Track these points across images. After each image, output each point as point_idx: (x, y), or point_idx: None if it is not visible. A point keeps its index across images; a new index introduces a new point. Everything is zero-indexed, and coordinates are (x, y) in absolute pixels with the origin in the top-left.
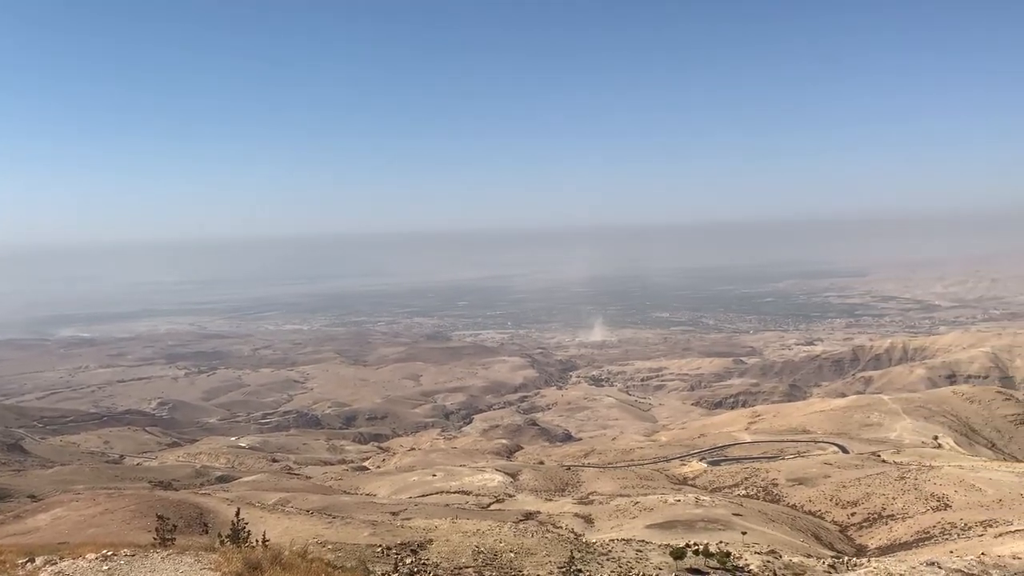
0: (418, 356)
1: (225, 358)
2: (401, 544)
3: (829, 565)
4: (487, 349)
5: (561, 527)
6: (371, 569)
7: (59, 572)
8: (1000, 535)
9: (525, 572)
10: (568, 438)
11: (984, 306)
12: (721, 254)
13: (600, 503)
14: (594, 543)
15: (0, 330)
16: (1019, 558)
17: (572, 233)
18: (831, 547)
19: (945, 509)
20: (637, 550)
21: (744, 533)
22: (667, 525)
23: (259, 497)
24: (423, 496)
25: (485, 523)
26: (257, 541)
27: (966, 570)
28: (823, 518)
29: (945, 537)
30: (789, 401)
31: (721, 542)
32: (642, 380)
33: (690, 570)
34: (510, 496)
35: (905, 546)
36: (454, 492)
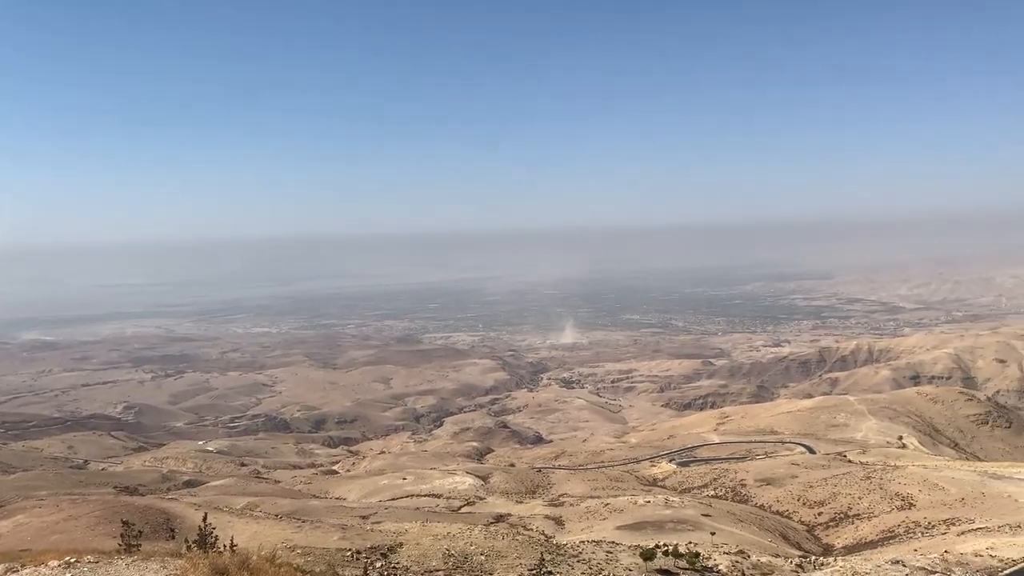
0: (388, 359)
1: (193, 361)
2: (371, 548)
3: (797, 564)
4: (458, 352)
5: (532, 529)
6: (341, 573)
7: None
8: (963, 533)
9: (496, 574)
10: (539, 440)
11: (947, 308)
12: (690, 257)
13: (571, 505)
14: (564, 545)
15: None
16: (981, 555)
17: (543, 236)
18: (799, 547)
19: (909, 508)
20: (607, 551)
21: (713, 534)
22: (637, 526)
23: (227, 502)
24: (393, 500)
25: (456, 526)
26: (225, 546)
27: (930, 568)
28: (791, 518)
29: (909, 536)
30: (757, 402)
31: (690, 543)
32: (612, 382)
33: (660, 571)
34: (481, 499)
35: (871, 545)
36: (424, 495)
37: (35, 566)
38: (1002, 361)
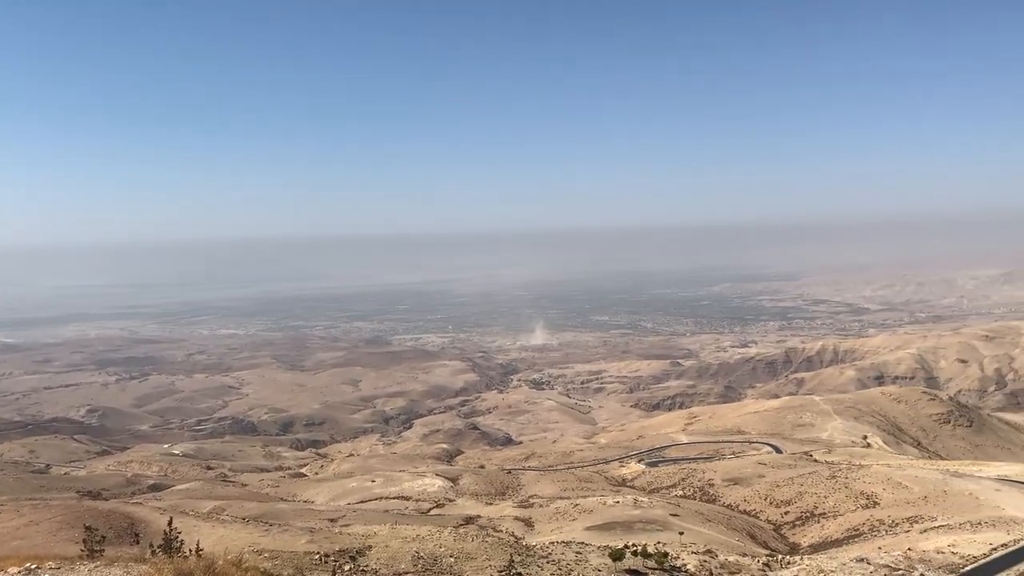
0: (357, 361)
1: (158, 363)
2: (339, 551)
3: (764, 563)
4: (428, 353)
5: (501, 530)
6: None
7: None
8: (925, 531)
9: None
10: (509, 441)
11: (910, 309)
12: (659, 258)
13: (540, 506)
14: (534, 546)
15: None
16: (943, 552)
17: (513, 237)
18: (766, 545)
19: (874, 507)
20: (576, 552)
21: (681, 533)
22: (606, 526)
23: (193, 505)
24: (362, 502)
25: (425, 528)
26: (190, 551)
27: (893, 565)
28: (758, 517)
29: (874, 534)
30: (725, 402)
31: (659, 542)
32: (582, 383)
33: (628, 571)
34: (450, 500)
35: (836, 543)
36: (394, 498)
37: None
38: (963, 361)
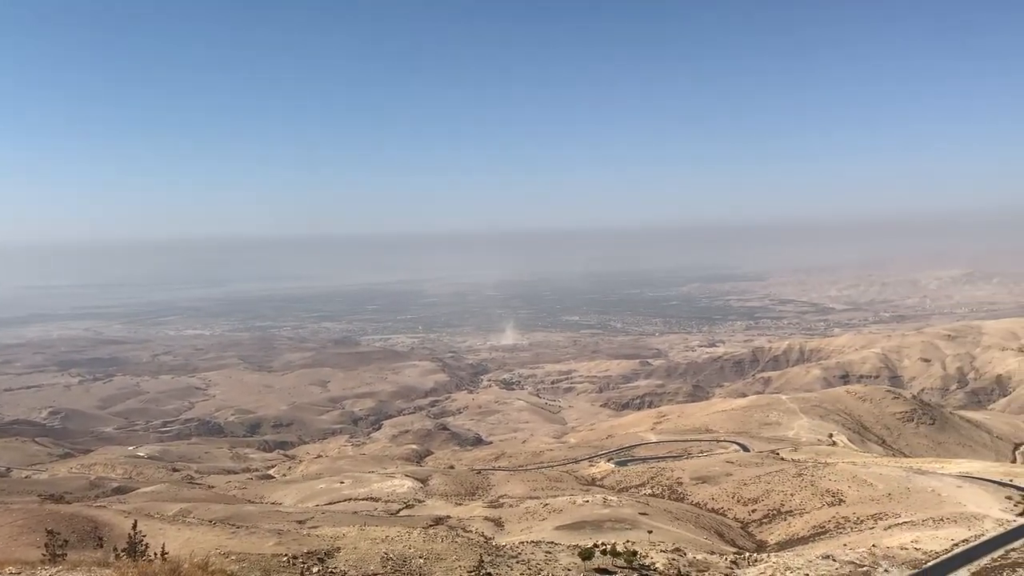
0: (325, 361)
1: (122, 364)
2: (308, 553)
3: (731, 561)
4: (397, 354)
5: (471, 531)
6: None
7: None
8: (889, 527)
9: None
10: (479, 442)
11: (875, 309)
12: (628, 258)
13: (510, 506)
14: (504, 546)
15: None
16: (906, 548)
17: (483, 238)
18: (733, 543)
19: (839, 504)
20: (546, 551)
21: (650, 532)
22: (576, 526)
23: (158, 508)
24: (331, 504)
25: (394, 529)
26: (155, 554)
27: (858, 562)
28: (725, 515)
29: (839, 531)
30: (693, 401)
31: (628, 541)
32: (552, 383)
33: (598, 570)
34: (420, 501)
35: (802, 540)
36: (363, 499)
37: None
38: (926, 360)
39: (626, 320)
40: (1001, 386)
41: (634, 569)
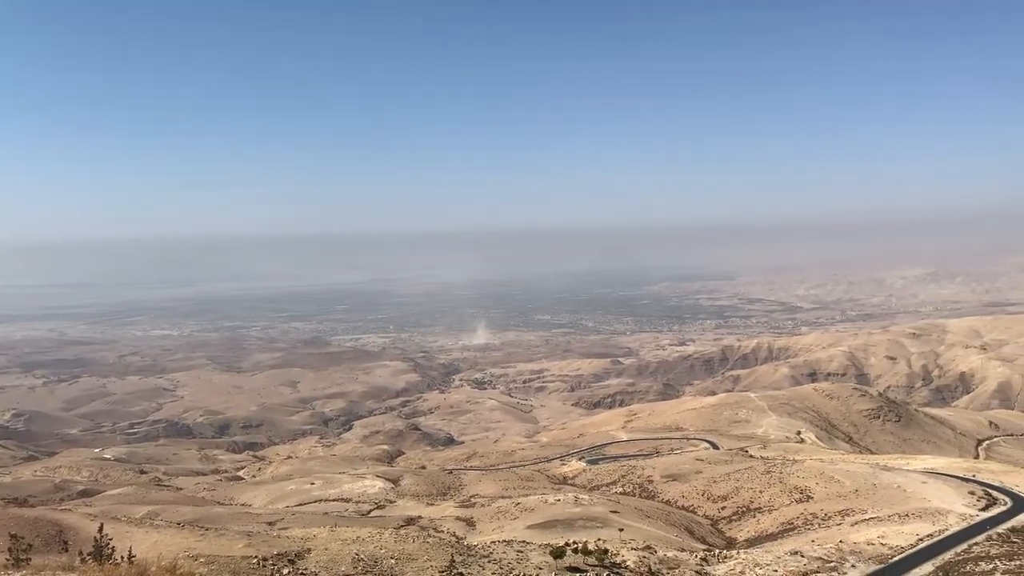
0: (295, 362)
1: (88, 365)
2: (278, 555)
3: (701, 559)
4: (368, 354)
5: (443, 531)
6: None
7: None
8: (856, 523)
9: None
10: (451, 441)
11: (842, 307)
12: (600, 258)
13: (482, 505)
14: (475, 546)
15: None
16: (873, 544)
17: (455, 237)
18: (703, 540)
19: (807, 501)
20: (518, 551)
21: (621, 530)
22: (547, 525)
23: (125, 511)
24: (301, 505)
25: (365, 530)
26: (122, 558)
27: (826, 558)
28: (695, 512)
29: (807, 527)
30: (663, 400)
31: (599, 540)
32: (524, 382)
33: (569, 568)
34: (391, 502)
35: (771, 537)
36: (333, 500)
37: None
38: (892, 358)
39: (597, 319)
40: (964, 383)
41: (605, 567)
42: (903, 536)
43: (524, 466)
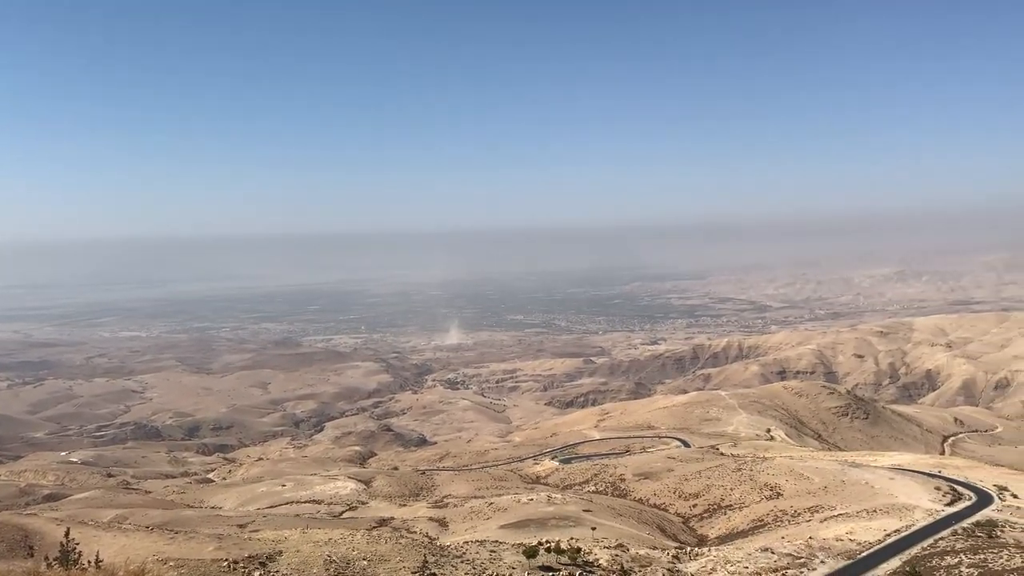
0: (266, 363)
1: (54, 368)
2: (249, 557)
3: (673, 556)
4: (340, 354)
5: (415, 531)
6: None
7: None
8: (825, 519)
9: None
10: (423, 442)
11: (810, 306)
12: (572, 258)
13: (455, 506)
14: (448, 546)
15: None
16: (841, 540)
17: (427, 237)
18: (675, 538)
19: (777, 498)
20: (491, 551)
21: (594, 528)
22: (520, 524)
23: (93, 515)
24: (272, 507)
25: (337, 531)
26: (89, 562)
27: (796, 554)
28: (667, 510)
29: (778, 524)
30: (636, 398)
31: (572, 538)
32: (497, 382)
33: (542, 567)
34: (363, 503)
35: (742, 534)
36: (305, 502)
37: None
38: (860, 356)
39: (570, 319)
40: (931, 381)
41: (578, 566)
42: (871, 532)
43: (497, 466)
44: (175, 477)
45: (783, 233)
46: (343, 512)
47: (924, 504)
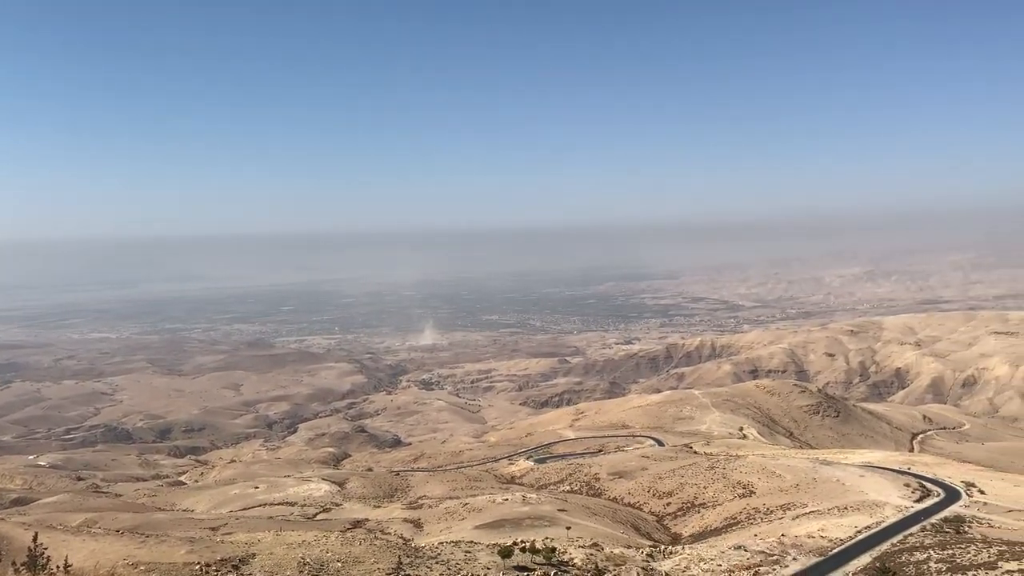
0: (238, 364)
1: (21, 370)
2: (221, 560)
3: (647, 555)
4: (313, 355)
5: (390, 533)
6: None
7: None
8: (797, 517)
9: None
10: (398, 443)
11: (782, 306)
12: (546, 258)
13: (429, 507)
14: (423, 547)
15: None
16: (813, 537)
17: (401, 237)
18: (649, 537)
19: (750, 495)
20: (466, 551)
21: (569, 528)
22: (495, 524)
23: (61, 519)
24: (245, 509)
25: (311, 534)
26: (58, 567)
27: (768, 551)
28: (641, 509)
29: (750, 521)
30: (610, 398)
31: (547, 538)
32: (472, 382)
33: (518, 567)
34: (337, 505)
35: (715, 532)
36: (278, 504)
37: None
38: (831, 355)
39: (545, 319)
40: (900, 379)
41: (553, 566)
42: (842, 528)
43: (472, 466)
44: (146, 480)
45: (755, 233)
46: (317, 514)
47: (894, 501)
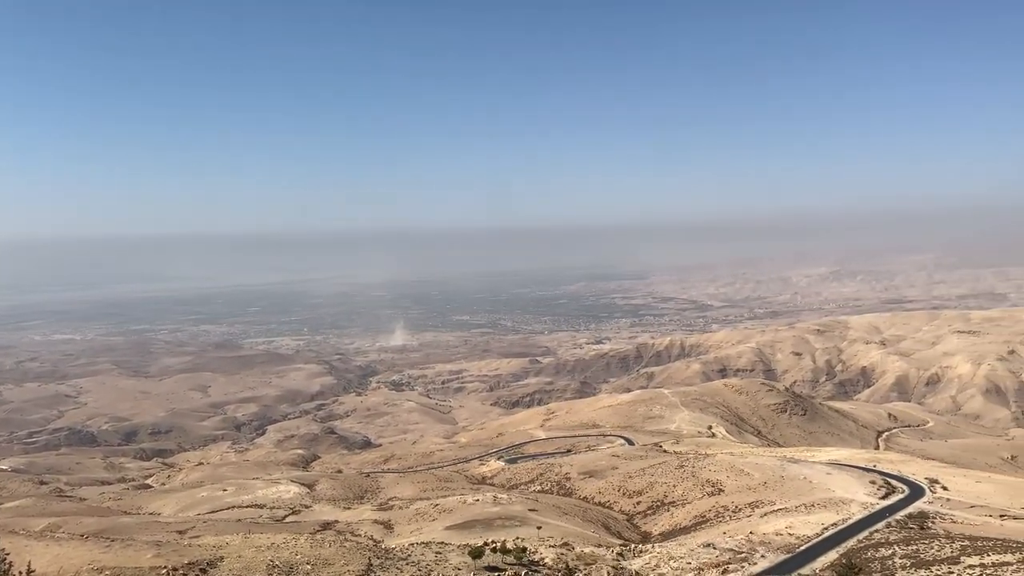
0: (206, 366)
1: None
2: (189, 564)
3: (618, 553)
4: (281, 357)
5: (360, 535)
6: None
7: None
8: (765, 515)
9: None
10: (368, 444)
11: (750, 305)
12: (517, 258)
13: (400, 508)
14: (393, 548)
15: None
16: (781, 534)
17: (371, 237)
18: (620, 535)
19: (719, 494)
20: (436, 552)
21: (539, 528)
22: (466, 525)
23: (24, 524)
24: (213, 512)
25: (280, 536)
26: (21, 572)
27: (737, 549)
28: (612, 508)
29: (719, 519)
30: (581, 397)
31: (518, 538)
32: (443, 383)
33: (488, 568)
34: (307, 507)
35: (685, 530)
36: (247, 506)
37: None
38: (798, 354)
39: (516, 319)
40: (866, 377)
41: (524, 565)
42: (809, 526)
43: (443, 467)
44: (111, 484)
45: (723, 234)
46: (286, 516)
47: (860, 498)
